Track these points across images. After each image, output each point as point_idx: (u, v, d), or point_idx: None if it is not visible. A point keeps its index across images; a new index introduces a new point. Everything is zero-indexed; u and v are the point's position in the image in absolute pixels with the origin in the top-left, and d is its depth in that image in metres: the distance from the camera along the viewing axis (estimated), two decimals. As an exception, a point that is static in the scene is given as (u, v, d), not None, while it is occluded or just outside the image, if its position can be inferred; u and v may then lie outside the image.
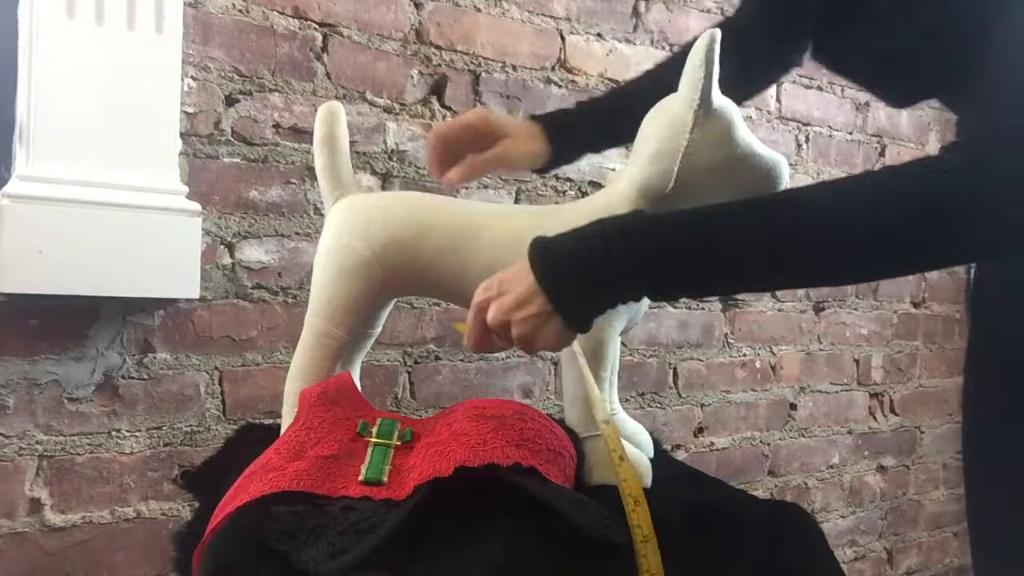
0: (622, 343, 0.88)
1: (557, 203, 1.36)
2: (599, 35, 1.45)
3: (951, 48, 0.65)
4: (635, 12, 1.49)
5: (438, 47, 1.28)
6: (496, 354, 1.35)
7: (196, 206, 1.04)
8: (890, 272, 0.62)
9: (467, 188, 1.32)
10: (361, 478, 0.65)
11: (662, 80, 0.79)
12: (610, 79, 1.46)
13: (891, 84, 0.75)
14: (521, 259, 0.76)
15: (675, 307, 1.57)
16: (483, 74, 1.32)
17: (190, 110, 1.09)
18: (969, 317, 0.80)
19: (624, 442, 0.76)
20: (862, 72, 0.77)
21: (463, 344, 0.73)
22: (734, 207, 0.60)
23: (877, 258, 0.58)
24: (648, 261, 0.59)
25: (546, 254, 0.62)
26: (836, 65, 0.80)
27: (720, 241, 0.59)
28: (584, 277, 0.61)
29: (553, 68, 1.40)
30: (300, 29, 1.17)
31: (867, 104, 1.85)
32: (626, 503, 0.59)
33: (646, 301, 0.77)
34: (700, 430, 1.62)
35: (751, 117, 1.65)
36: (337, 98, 1.19)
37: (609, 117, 0.89)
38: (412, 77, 1.26)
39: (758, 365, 1.70)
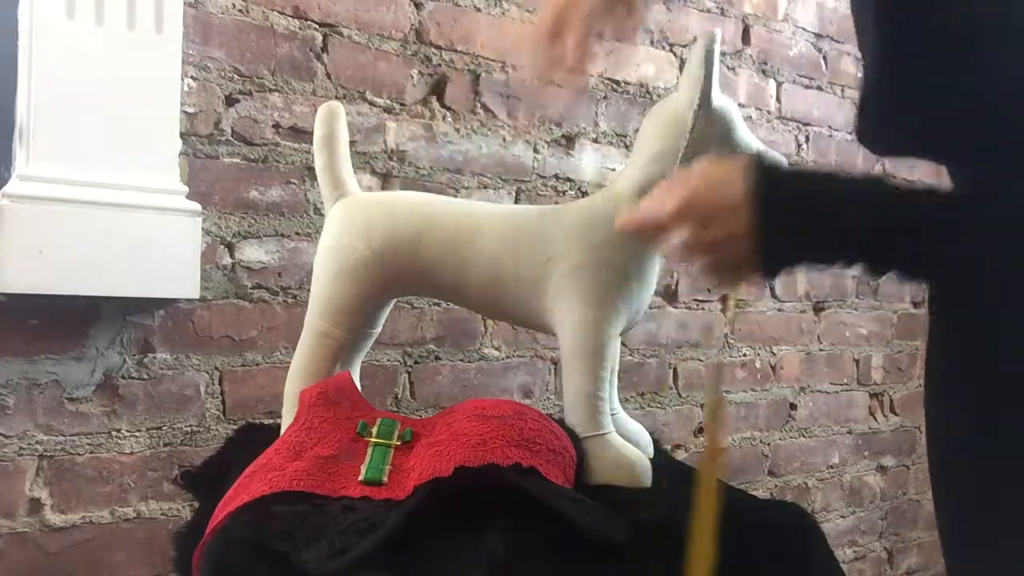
0: (622, 343, 0.88)
1: (557, 203, 1.36)
2: (599, 35, 1.45)
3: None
4: (635, 12, 1.49)
5: (438, 47, 1.28)
6: (496, 354, 1.36)
7: (196, 206, 1.04)
8: None
9: (467, 188, 1.31)
10: (361, 478, 0.66)
11: None
12: (610, 79, 1.46)
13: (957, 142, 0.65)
14: (520, 259, 0.76)
15: (675, 307, 1.57)
16: (483, 74, 1.32)
17: (190, 110, 1.09)
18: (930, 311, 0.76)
19: (624, 442, 0.76)
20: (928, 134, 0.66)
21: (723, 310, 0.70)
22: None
23: None
24: (869, 237, 0.56)
25: (776, 204, 0.56)
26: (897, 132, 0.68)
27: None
28: (806, 236, 0.56)
29: (553, 68, 1.40)
30: (300, 29, 1.17)
31: (867, 104, 1.84)
32: (697, 536, 0.57)
33: (647, 300, 0.77)
34: (700, 430, 1.62)
35: (751, 117, 1.65)
36: (337, 98, 1.18)
37: None
38: (412, 77, 1.26)
39: (758, 365, 1.70)
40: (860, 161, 1.84)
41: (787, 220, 0.56)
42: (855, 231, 0.56)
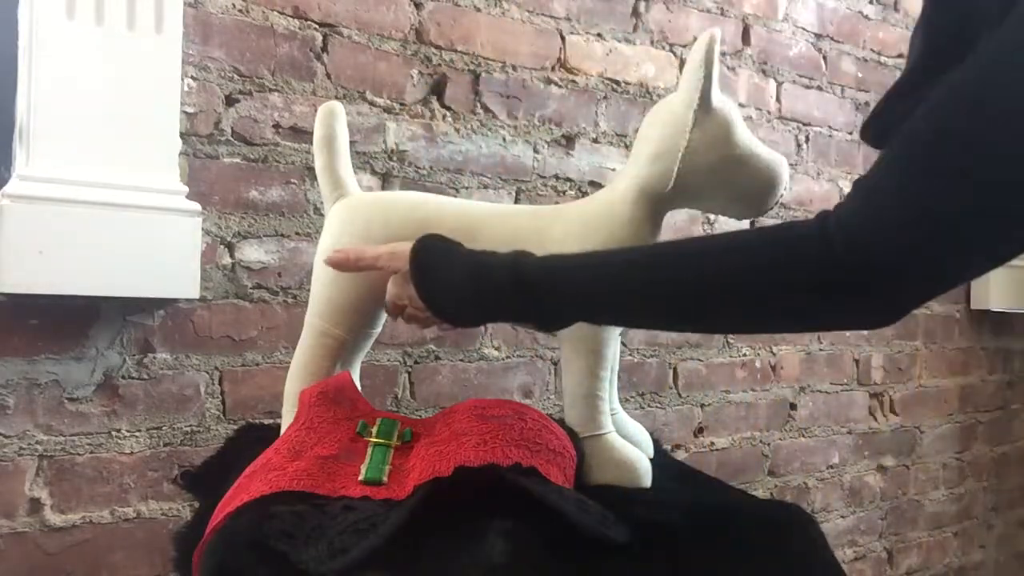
0: (622, 343, 0.88)
1: (557, 203, 1.36)
2: (599, 35, 1.45)
3: None
4: (635, 12, 1.49)
5: (438, 47, 1.28)
6: (496, 354, 1.36)
7: (196, 206, 1.04)
8: (754, 330, 0.64)
9: (467, 188, 1.32)
10: (361, 478, 0.66)
11: None
12: (610, 79, 1.46)
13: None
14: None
15: (675, 307, 1.56)
16: (483, 74, 1.32)
17: (190, 110, 1.09)
18: None
19: (624, 442, 0.76)
20: None
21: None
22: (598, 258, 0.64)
23: (734, 317, 0.60)
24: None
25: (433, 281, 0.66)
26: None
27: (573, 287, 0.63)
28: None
29: (553, 68, 1.40)
30: (300, 29, 1.17)
31: (867, 104, 1.85)
32: None
33: None
34: (700, 430, 1.62)
35: (751, 117, 1.65)
36: (337, 98, 1.18)
37: None
38: (412, 77, 1.26)
39: (758, 365, 1.70)
40: (860, 161, 1.84)
41: (443, 294, 0.66)
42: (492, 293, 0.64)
